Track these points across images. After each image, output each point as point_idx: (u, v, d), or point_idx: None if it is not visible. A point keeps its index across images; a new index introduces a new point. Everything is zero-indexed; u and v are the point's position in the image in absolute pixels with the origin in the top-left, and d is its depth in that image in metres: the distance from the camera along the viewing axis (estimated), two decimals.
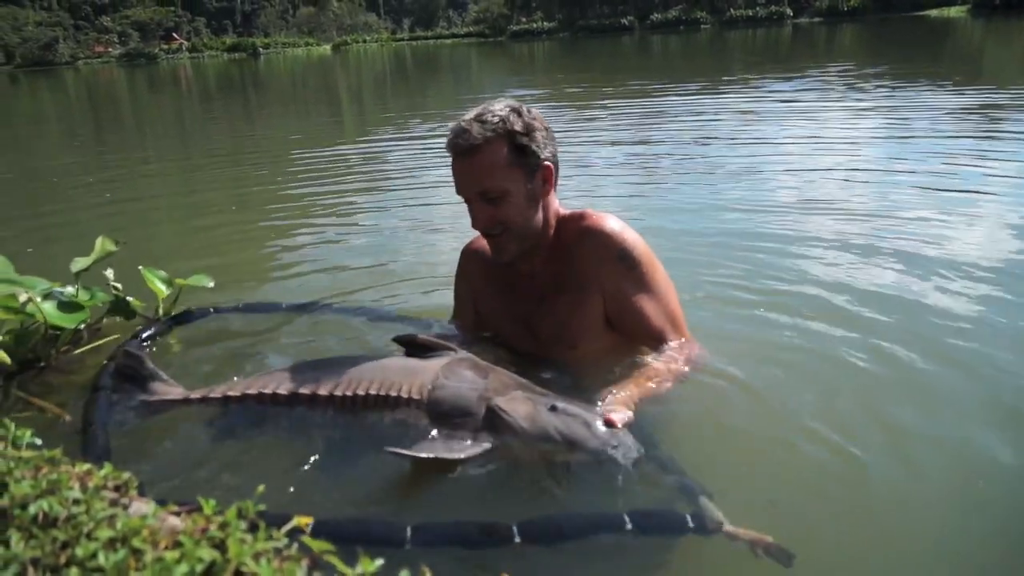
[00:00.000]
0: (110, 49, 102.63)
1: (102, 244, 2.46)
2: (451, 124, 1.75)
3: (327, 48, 78.75)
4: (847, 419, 1.75)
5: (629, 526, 1.27)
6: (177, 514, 0.87)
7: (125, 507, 0.88)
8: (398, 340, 1.75)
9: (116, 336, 2.36)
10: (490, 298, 2.02)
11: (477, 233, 2.02)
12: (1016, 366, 2.00)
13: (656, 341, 1.83)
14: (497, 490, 1.47)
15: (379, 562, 0.63)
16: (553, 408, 1.47)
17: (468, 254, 2.09)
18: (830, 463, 1.59)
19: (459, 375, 1.57)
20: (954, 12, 42.58)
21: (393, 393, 1.55)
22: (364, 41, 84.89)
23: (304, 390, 1.63)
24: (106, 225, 4.17)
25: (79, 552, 0.74)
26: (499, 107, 1.74)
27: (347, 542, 1.02)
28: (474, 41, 66.67)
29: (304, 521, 0.74)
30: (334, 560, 0.63)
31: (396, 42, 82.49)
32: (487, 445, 1.45)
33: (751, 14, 57.61)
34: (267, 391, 1.66)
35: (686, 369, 1.78)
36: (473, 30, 77.35)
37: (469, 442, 1.46)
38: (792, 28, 43.49)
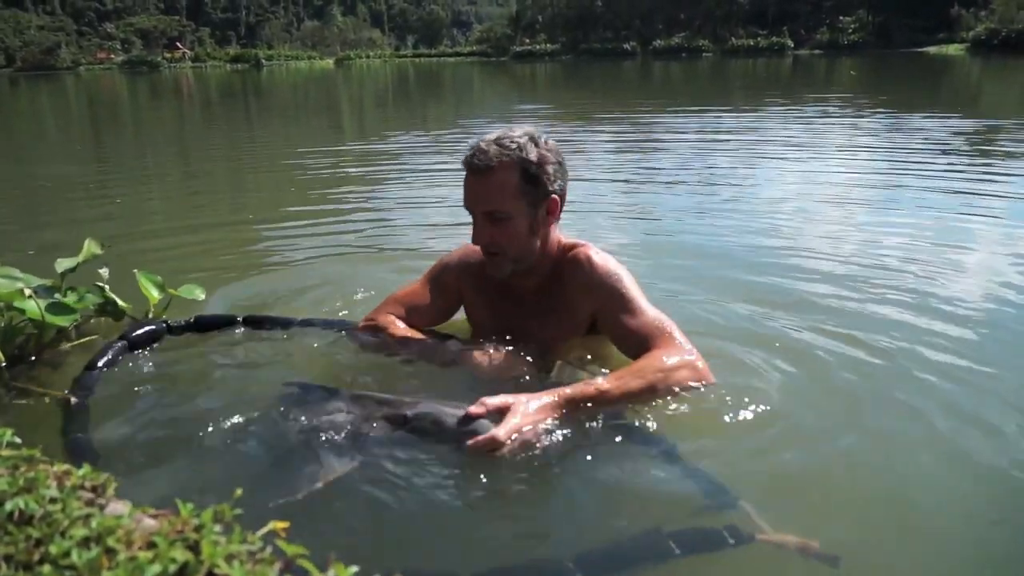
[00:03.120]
0: (112, 56, 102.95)
1: (88, 246, 2.47)
2: (470, 141, 1.83)
3: (330, 62, 79.15)
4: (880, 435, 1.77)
5: (677, 551, 1.26)
6: (155, 517, 0.86)
7: (101, 507, 0.88)
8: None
9: (105, 334, 2.34)
10: (481, 307, 2.08)
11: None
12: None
13: (645, 349, 1.79)
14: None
15: (353, 568, 0.62)
16: (404, 419, 1.60)
17: (464, 262, 2.08)
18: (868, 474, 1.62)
19: (332, 407, 1.68)
20: (952, 50, 43.09)
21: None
22: (367, 56, 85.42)
23: None
24: (103, 229, 4.16)
25: (52, 550, 0.73)
26: (518, 133, 1.80)
27: None
28: (476, 60, 66.95)
29: (280, 526, 0.74)
30: (307, 564, 0.63)
31: (399, 58, 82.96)
32: (355, 463, 1.53)
33: (753, 44, 58.15)
34: None
35: (670, 370, 1.73)
36: (476, 49, 77.94)
37: (340, 460, 1.54)
38: (793, 59, 43.91)
